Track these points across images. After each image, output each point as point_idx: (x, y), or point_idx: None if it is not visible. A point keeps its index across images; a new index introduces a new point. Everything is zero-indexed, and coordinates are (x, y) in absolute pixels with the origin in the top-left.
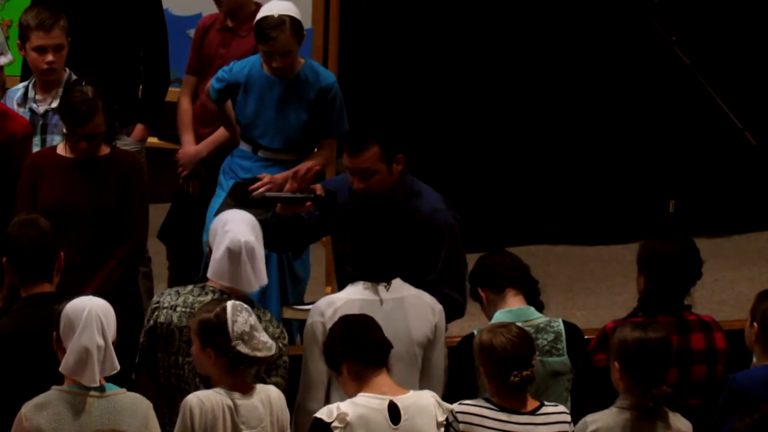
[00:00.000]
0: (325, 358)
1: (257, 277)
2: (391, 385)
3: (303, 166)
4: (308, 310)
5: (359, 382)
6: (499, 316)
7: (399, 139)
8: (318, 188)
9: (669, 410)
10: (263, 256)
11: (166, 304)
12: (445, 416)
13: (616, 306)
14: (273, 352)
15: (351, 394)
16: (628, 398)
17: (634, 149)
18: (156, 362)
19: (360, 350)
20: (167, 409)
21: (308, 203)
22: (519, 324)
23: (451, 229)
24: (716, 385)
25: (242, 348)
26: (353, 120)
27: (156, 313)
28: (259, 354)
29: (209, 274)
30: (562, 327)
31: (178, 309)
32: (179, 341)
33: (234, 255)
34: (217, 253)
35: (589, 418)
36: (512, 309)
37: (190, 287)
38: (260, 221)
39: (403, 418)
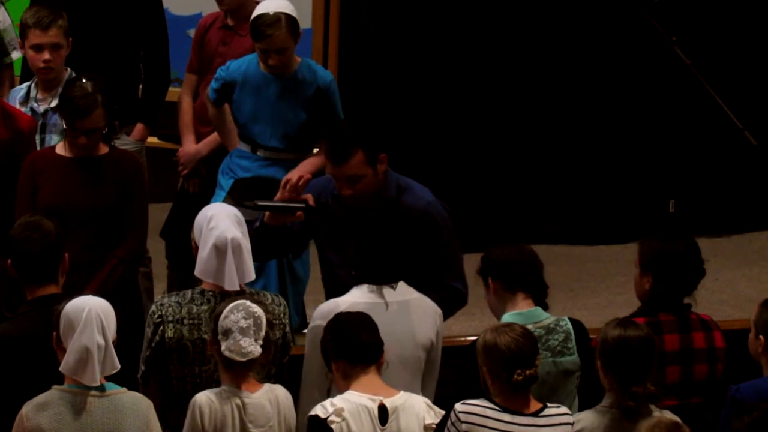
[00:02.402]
0: (322, 355)
1: (242, 273)
2: (381, 384)
3: (294, 175)
4: None
5: (347, 380)
6: (509, 318)
7: (380, 138)
8: (309, 198)
9: (655, 408)
10: (250, 251)
11: (170, 318)
12: (435, 420)
13: (617, 306)
14: (248, 359)
15: (342, 392)
16: (610, 397)
17: (634, 149)
18: (167, 372)
19: (347, 349)
20: (182, 415)
21: (299, 213)
22: (529, 326)
23: (445, 221)
24: (716, 384)
25: (223, 343)
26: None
27: (161, 327)
28: (231, 356)
29: (196, 273)
30: (570, 326)
31: (186, 322)
32: (193, 353)
33: (220, 252)
34: (204, 251)
35: (574, 417)
36: (522, 311)
37: (189, 295)
38: (250, 230)
39: (390, 418)
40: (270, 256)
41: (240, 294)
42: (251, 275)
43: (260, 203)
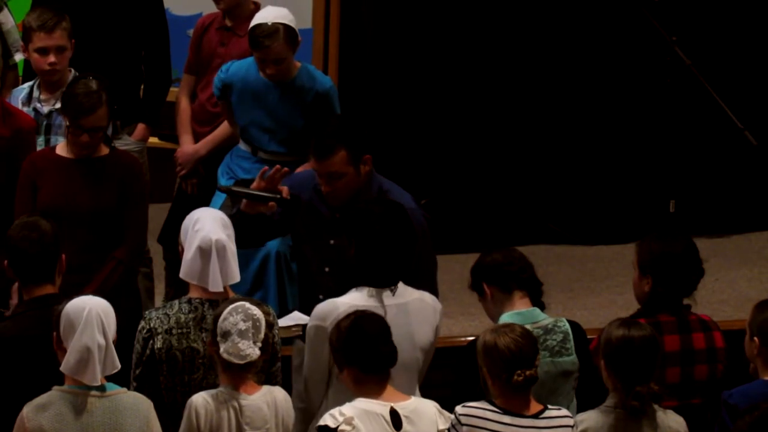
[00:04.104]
0: (332, 351)
1: (226, 275)
2: (392, 391)
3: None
4: (294, 326)
5: (357, 386)
6: (507, 319)
7: (365, 140)
8: (285, 190)
9: (659, 408)
10: (235, 254)
11: (159, 330)
12: (446, 425)
13: (617, 306)
14: (246, 361)
15: (349, 394)
16: (614, 397)
17: (634, 149)
18: (157, 384)
19: (363, 359)
20: (171, 425)
21: (271, 203)
22: (528, 326)
23: (421, 229)
24: (717, 384)
25: (221, 345)
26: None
27: (151, 341)
28: (230, 358)
29: (181, 275)
30: (568, 326)
31: (174, 332)
32: (183, 362)
33: (204, 253)
34: (189, 252)
35: (578, 417)
36: (521, 311)
37: (176, 305)
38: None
39: (404, 423)
40: (246, 243)
41: (225, 299)
42: (236, 277)
43: (234, 189)
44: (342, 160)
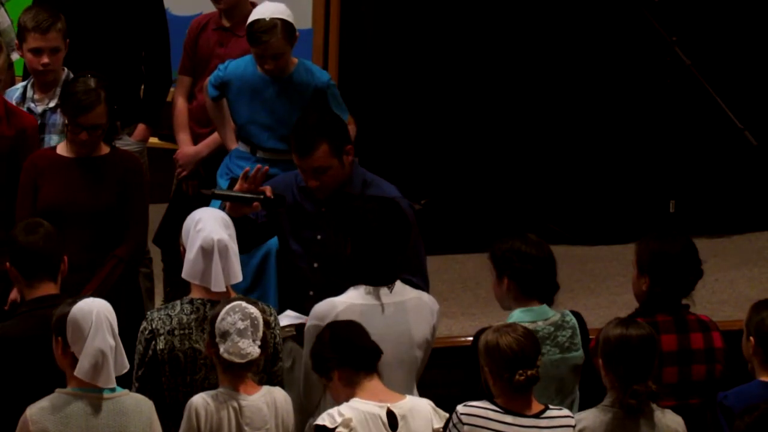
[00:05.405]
0: (313, 364)
1: (228, 274)
2: (384, 390)
3: (256, 168)
4: (293, 325)
5: (351, 387)
6: (519, 315)
7: (345, 130)
8: (267, 190)
9: (657, 407)
10: (237, 254)
11: (162, 330)
12: (441, 423)
13: (617, 306)
14: (247, 360)
15: (341, 401)
16: (612, 395)
17: (634, 149)
18: (159, 385)
19: (352, 356)
20: (173, 425)
21: (256, 203)
22: (540, 323)
23: (411, 217)
24: (715, 384)
25: (221, 346)
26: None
27: (153, 342)
28: (231, 358)
29: (183, 275)
30: (575, 321)
31: (177, 333)
32: (185, 362)
33: (207, 253)
34: (191, 253)
35: (576, 416)
36: (533, 308)
37: (178, 306)
38: None
39: (400, 423)
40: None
41: (228, 299)
42: (238, 277)
43: (218, 192)
44: (325, 153)
